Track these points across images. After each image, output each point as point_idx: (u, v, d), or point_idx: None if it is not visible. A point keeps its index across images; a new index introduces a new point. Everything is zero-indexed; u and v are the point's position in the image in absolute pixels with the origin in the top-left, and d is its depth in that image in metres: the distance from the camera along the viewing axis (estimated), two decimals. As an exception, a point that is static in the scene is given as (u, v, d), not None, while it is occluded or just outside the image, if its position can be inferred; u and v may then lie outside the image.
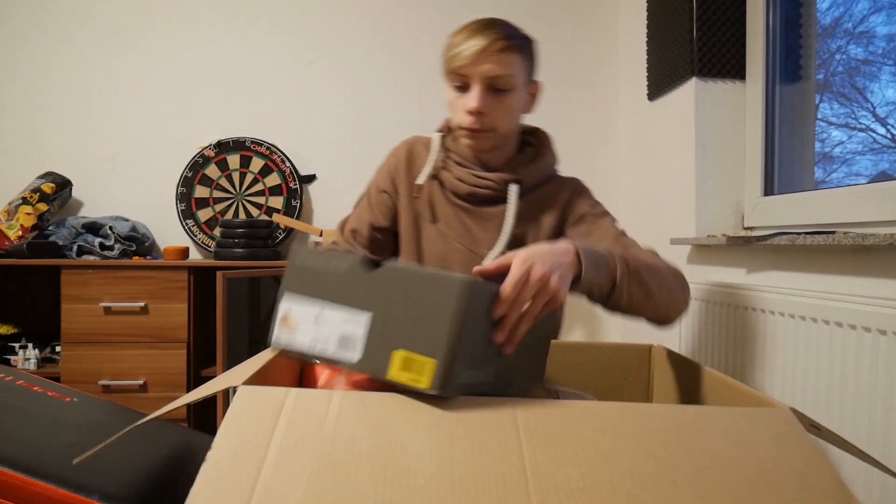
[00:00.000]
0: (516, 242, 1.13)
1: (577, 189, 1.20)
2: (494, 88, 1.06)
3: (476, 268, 0.76)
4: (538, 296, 0.73)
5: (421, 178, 1.18)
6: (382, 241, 1.24)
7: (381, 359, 0.60)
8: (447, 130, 1.21)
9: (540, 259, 0.75)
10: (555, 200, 1.17)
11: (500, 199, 1.14)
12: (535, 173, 1.16)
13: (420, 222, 1.20)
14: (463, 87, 1.08)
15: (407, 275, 0.61)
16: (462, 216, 1.17)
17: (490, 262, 0.77)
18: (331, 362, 0.63)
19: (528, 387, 0.80)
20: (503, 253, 1.08)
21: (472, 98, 1.05)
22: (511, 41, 1.05)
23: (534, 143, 1.22)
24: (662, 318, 0.98)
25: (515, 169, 1.15)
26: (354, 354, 0.62)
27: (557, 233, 1.17)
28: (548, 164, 1.19)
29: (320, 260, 0.66)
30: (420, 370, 0.58)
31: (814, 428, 0.61)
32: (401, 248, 1.23)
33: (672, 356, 0.97)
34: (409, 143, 1.25)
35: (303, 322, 0.65)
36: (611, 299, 0.89)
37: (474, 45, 1.03)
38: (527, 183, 1.15)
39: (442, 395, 0.58)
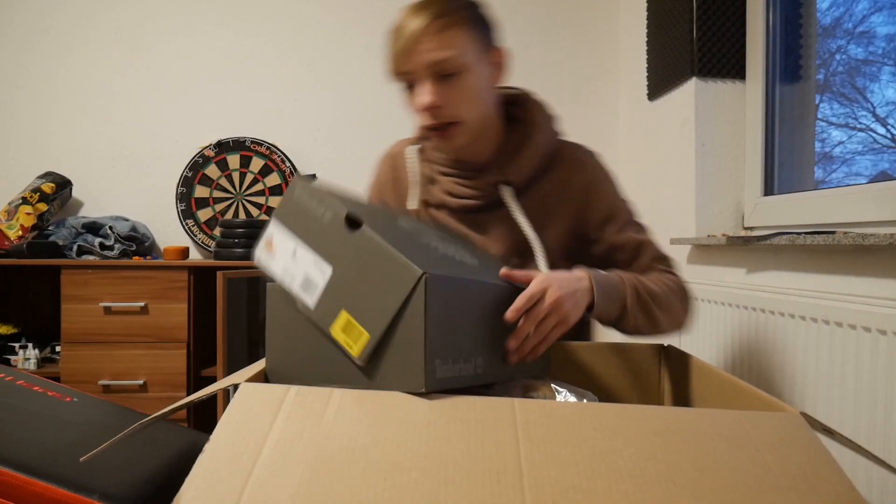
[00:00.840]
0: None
1: (595, 177, 1.05)
2: (443, 75, 0.92)
3: (503, 270, 0.80)
4: (551, 315, 0.78)
5: (411, 203, 1.06)
6: None
7: (330, 312, 0.63)
8: (423, 139, 1.09)
9: (557, 282, 0.80)
10: (565, 191, 1.03)
11: (498, 201, 1.02)
12: (526, 166, 1.01)
13: None
14: (412, 86, 0.95)
15: (376, 246, 0.62)
16: (462, 229, 1.05)
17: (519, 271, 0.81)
18: (295, 297, 0.66)
19: (533, 384, 0.80)
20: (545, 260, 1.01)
21: (422, 93, 0.92)
22: (445, 17, 0.91)
23: (522, 117, 1.05)
24: (661, 335, 1.02)
25: (501, 165, 1.01)
26: (311, 300, 0.65)
27: (575, 230, 1.04)
28: (541, 146, 1.02)
29: (314, 201, 0.67)
30: (356, 338, 0.61)
31: (826, 432, 0.60)
32: None
33: (684, 357, 0.96)
34: (392, 156, 1.14)
35: (281, 251, 0.68)
36: (618, 324, 0.95)
37: (406, 37, 0.91)
38: (519, 181, 1.01)
39: (364, 369, 0.61)
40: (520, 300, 0.76)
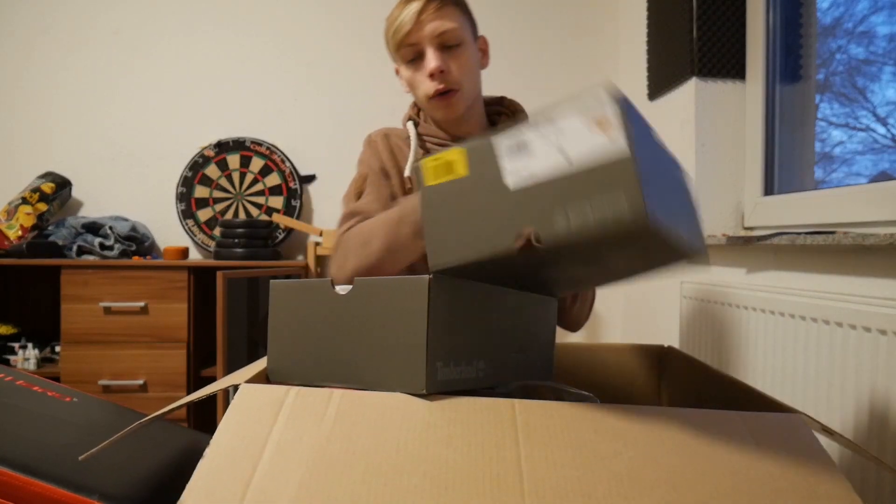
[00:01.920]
0: None
1: None
2: (446, 46, 1.05)
3: None
4: None
5: (409, 170, 1.12)
6: None
7: (480, 155, 0.62)
8: (416, 117, 1.18)
9: None
10: None
11: None
12: None
13: None
14: (416, 59, 1.07)
15: (505, 251, 0.57)
16: None
17: None
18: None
19: (536, 386, 0.80)
20: None
21: (430, 59, 1.04)
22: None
23: (505, 112, 1.19)
24: (564, 324, 1.14)
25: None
26: (494, 138, 0.62)
27: None
28: None
29: (620, 186, 0.52)
30: (444, 171, 0.61)
31: (825, 433, 0.60)
32: None
33: (684, 358, 0.96)
34: (385, 135, 1.19)
35: (587, 136, 0.55)
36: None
37: (412, 10, 1.04)
38: None
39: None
40: None
